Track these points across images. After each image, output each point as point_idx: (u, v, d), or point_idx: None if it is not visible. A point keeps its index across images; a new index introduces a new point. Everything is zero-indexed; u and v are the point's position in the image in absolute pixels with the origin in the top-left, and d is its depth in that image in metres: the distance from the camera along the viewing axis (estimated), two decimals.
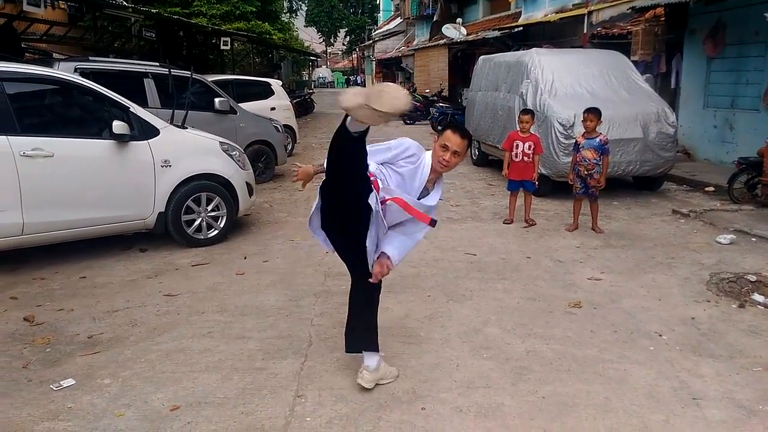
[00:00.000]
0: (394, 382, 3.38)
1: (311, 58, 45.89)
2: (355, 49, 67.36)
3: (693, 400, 3.19)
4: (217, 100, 8.68)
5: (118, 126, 5.31)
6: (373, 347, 3.35)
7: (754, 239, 6.12)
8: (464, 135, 3.10)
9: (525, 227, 6.80)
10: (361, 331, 3.36)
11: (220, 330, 4.09)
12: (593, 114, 6.36)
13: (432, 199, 3.21)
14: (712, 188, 8.63)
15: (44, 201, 5.07)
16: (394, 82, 35.29)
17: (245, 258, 5.70)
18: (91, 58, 7.99)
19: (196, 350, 3.79)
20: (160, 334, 4.02)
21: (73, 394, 3.28)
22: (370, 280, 3.17)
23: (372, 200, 2.89)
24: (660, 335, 3.98)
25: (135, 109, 5.61)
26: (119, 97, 5.56)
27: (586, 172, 6.45)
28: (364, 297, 3.36)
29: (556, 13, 15.61)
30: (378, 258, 3.18)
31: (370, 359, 3.33)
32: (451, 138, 3.07)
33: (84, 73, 6.82)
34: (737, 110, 10.14)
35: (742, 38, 9.94)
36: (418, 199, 3.15)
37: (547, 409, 3.11)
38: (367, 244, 3.04)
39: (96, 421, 3.03)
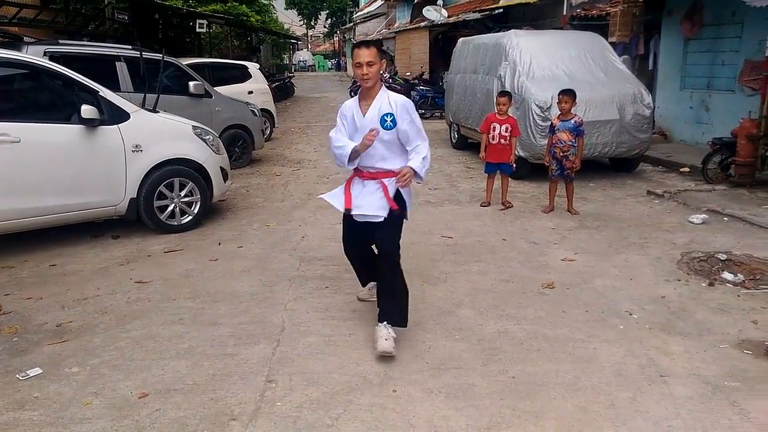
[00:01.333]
0: (366, 365, 3.38)
1: (291, 41, 45.42)
2: (336, 32, 66.76)
3: (660, 377, 3.23)
4: (191, 83, 8.54)
5: (87, 110, 5.20)
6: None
7: (726, 219, 6.19)
8: (368, 45, 3.37)
9: (502, 209, 6.82)
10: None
11: (192, 316, 4.05)
12: (568, 96, 6.36)
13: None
14: (687, 169, 8.71)
15: (11, 188, 4.97)
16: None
17: (219, 244, 5.65)
18: (60, 41, 7.81)
19: (166, 337, 3.75)
20: (130, 322, 3.97)
21: (40, 383, 3.24)
22: (398, 180, 3.38)
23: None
24: (630, 314, 4.02)
25: (104, 93, 5.49)
26: (88, 80, 5.43)
27: (561, 154, 6.47)
28: (385, 264, 3.51)
29: None
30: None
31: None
32: (359, 53, 3.34)
33: (54, 57, 6.66)
34: (713, 91, 10.21)
35: (719, 19, 9.99)
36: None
37: (516, 389, 3.13)
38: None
39: (63, 410, 2.99)
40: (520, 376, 3.26)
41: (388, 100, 3.43)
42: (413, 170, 3.40)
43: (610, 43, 9.93)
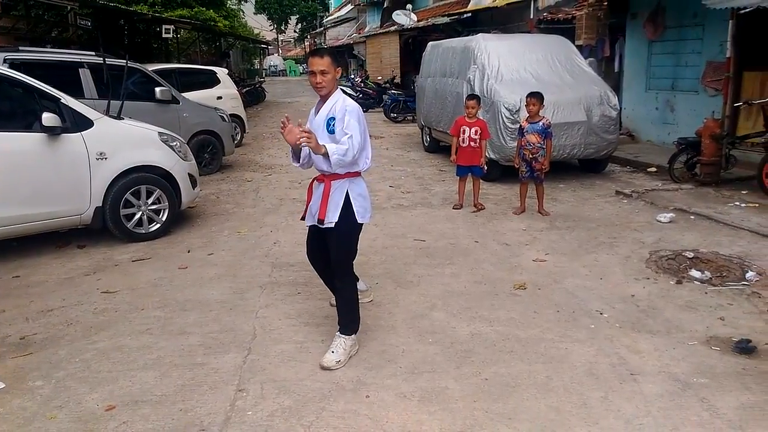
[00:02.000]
0: (339, 371, 3.35)
1: (261, 45, 45.13)
2: (306, 37, 66.54)
3: (631, 375, 3.27)
4: (157, 89, 8.41)
5: (48, 118, 5.08)
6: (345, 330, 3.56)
7: (692, 217, 6.31)
8: (322, 54, 3.36)
9: (474, 212, 6.84)
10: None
11: (160, 326, 3.97)
12: (535, 98, 6.43)
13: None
14: (654, 169, 8.87)
15: None
16: (347, 70, 35.06)
17: (189, 251, 5.56)
18: (21, 48, 7.61)
19: (134, 348, 3.67)
20: (97, 333, 3.88)
21: (2, 398, 3.13)
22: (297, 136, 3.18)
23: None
24: (601, 313, 4.06)
25: (66, 100, 5.37)
26: (49, 88, 5.31)
27: (531, 156, 6.53)
28: (334, 273, 3.57)
29: None
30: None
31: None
32: (313, 61, 3.33)
33: (14, 65, 6.50)
34: (678, 92, 10.43)
35: (681, 21, 10.21)
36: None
37: (489, 391, 3.13)
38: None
39: (26, 425, 2.90)
40: (493, 377, 3.26)
41: (335, 106, 3.40)
42: (324, 148, 3.24)
43: (577, 46, 10.08)
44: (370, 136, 3.56)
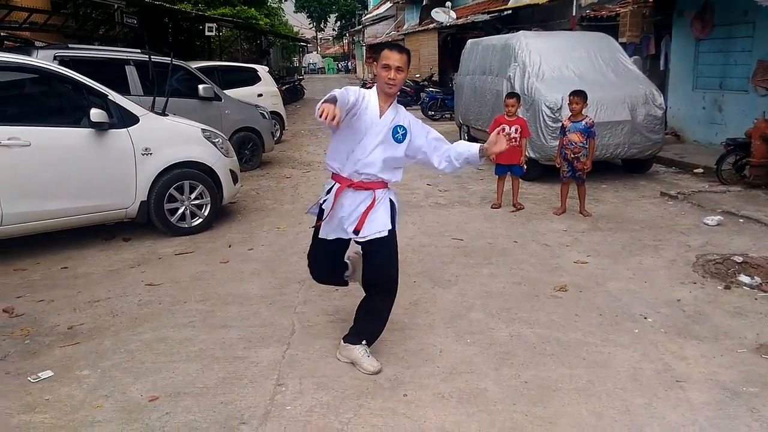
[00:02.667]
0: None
1: (301, 43, 45.54)
2: (345, 35, 66.84)
3: (677, 382, 3.18)
4: (200, 86, 8.56)
5: (96, 114, 5.21)
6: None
7: (741, 220, 6.11)
8: (401, 50, 3.16)
9: (513, 211, 6.76)
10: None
11: (202, 319, 4.04)
12: (579, 97, 6.31)
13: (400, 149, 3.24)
14: (700, 170, 8.62)
15: (23, 191, 4.98)
16: None
17: (230, 246, 5.64)
18: (70, 45, 7.84)
19: (176, 340, 3.74)
20: (141, 324, 3.97)
21: (51, 386, 3.23)
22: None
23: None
24: (645, 318, 3.96)
25: (113, 96, 5.50)
26: (97, 84, 5.45)
27: (572, 156, 6.41)
28: (384, 293, 3.33)
29: None
30: None
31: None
32: (390, 56, 3.11)
33: (63, 61, 6.70)
34: (726, 91, 10.10)
35: (730, 19, 9.88)
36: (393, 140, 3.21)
37: (529, 394, 3.08)
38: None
39: (73, 412, 2.98)
40: (532, 380, 3.21)
41: (400, 113, 3.25)
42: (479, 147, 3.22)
43: (621, 44, 9.86)
44: None
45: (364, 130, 3.15)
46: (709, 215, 6.20)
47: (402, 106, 3.34)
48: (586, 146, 6.37)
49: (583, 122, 6.35)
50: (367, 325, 3.40)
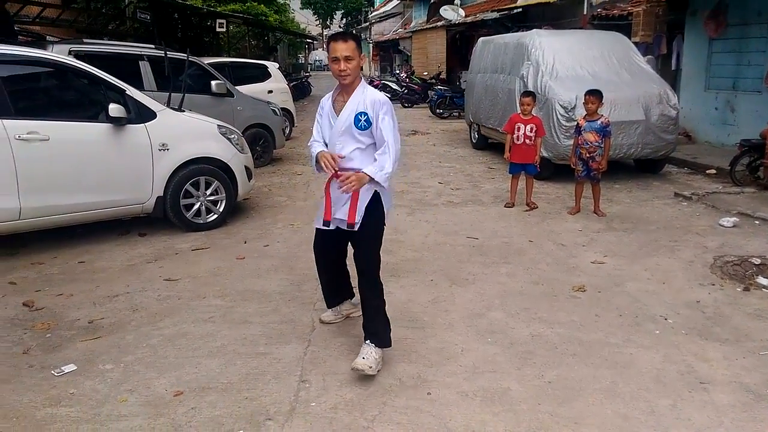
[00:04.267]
0: (398, 366, 3.35)
1: (307, 40, 45.49)
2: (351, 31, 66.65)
3: (700, 384, 3.17)
4: (213, 82, 8.56)
5: (114, 109, 5.22)
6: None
7: (757, 222, 6.09)
8: (346, 38, 3.08)
9: (527, 211, 6.75)
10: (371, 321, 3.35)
11: (222, 315, 4.05)
12: (595, 96, 6.29)
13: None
14: (713, 171, 8.58)
15: (41, 185, 4.99)
16: (391, 65, 34.97)
17: (245, 242, 5.65)
18: (85, 40, 7.89)
19: (197, 335, 3.75)
20: (162, 319, 3.98)
21: (75, 380, 3.24)
22: (340, 183, 3.09)
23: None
24: (665, 319, 3.95)
25: (131, 91, 5.51)
26: (115, 79, 5.46)
27: (587, 155, 6.40)
28: (361, 281, 3.36)
29: None
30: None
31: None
32: (336, 47, 3.05)
33: (78, 56, 6.69)
34: (739, 92, 10.06)
35: (744, 18, 9.83)
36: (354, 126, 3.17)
37: (554, 394, 3.08)
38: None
39: (99, 406, 3.00)
40: (556, 380, 3.21)
41: (363, 99, 3.14)
42: (368, 176, 3.09)
43: (633, 43, 9.82)
44: (415, 132, 3.51)
45: (329, 133, 3.23)
46: (725, 216, 6.18)
47: (372, 89, 3.24)
48: (602, 146, 6.35)
49: (599, 121, 6.33)
50: (368, 325, 3.34)
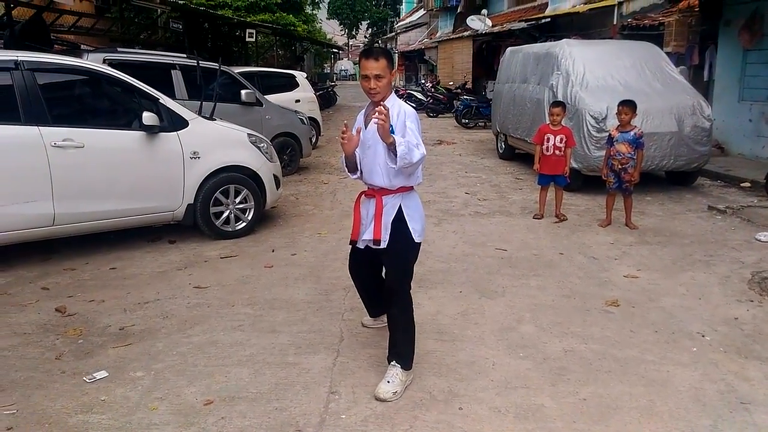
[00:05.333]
0: (428, 380, 3.31)
1: (333, 50, 45.82)
2: (377, 42, 67.07)
3: (741, 404, 3.07)
4: (243, 92, 8.64)
5: (148, 117, 5.29)
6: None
7: None
8: (377, 56, 3.02)
9: (556, 222, 6.66)
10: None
11: (251, 323, 4.05)
12: (628, 107, 6.19)
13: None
14: (748, 184, 8.39)
15: (75, 192, 5.07)
16: (417, 75, 34.97)
17: (273, 251, 5.66)
18: (119, 49, 8.00)
19: (227, 344, 3.75)
20: (191, 327, 3.99)
21: (107, 387, 3.26)
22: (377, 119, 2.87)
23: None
24: (703, 336, 3.85)
25: (164, 100, 5.59)
26: (149, 88, 5.54)
27: (620, 167, 6.29)
28: (389, 300, 3.29)
29: (585, 3, 15.31)
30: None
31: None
32: (366, 65, 3.03)
33: (112, 64, 6.79)
34: None
35: None
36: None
37: (588, 412, 3.01)
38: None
39: (130, 414, 3.01)
40: (591, 398, 3.13)
41: (391, 112, 3.07)
42: (392, 137, 2.92)
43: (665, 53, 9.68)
44: (440, 141, 3.47)
45: (359, 145, 3.20)
46: (762, 231, 6.02)
47: (401, 102, 3.21)
48: (634, 157, 6.25)
49: (632, 133, 6.23)
50: (397, 345, 3.27)
